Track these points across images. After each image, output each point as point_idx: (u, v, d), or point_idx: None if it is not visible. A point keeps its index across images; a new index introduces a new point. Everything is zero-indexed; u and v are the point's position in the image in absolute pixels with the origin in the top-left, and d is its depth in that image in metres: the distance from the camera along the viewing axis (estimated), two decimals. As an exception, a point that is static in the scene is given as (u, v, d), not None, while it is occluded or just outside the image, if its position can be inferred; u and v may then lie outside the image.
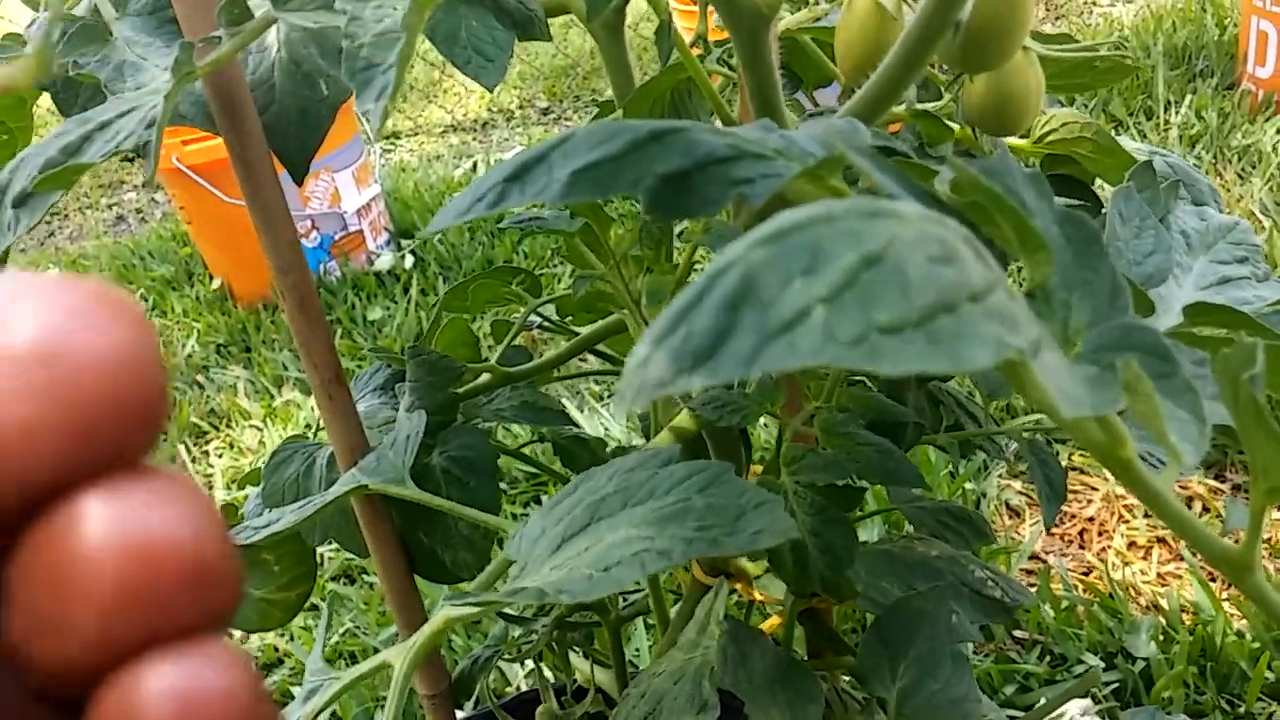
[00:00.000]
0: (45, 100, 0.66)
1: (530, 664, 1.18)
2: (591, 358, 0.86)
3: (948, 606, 0.58)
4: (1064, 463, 1.53)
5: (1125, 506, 1.48)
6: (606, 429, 1.73)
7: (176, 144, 2.20)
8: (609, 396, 1.80)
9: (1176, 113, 2.49)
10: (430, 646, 0.42)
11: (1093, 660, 1.23)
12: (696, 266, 0.64)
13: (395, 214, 2.66)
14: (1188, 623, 1.27)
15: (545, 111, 3.53)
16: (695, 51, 0.65)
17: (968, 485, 1.52)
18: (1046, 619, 1.29)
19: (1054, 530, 1.48)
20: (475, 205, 0.22)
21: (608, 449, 0.81)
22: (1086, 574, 1.39)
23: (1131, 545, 1.43)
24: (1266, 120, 2.39)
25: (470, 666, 0.79)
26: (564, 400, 1.80)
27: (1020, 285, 0.27)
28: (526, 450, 1.34)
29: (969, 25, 0.42)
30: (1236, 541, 0.31)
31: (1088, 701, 1.16)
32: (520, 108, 3.57)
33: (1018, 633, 1.30)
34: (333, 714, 1.29)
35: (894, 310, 0.15)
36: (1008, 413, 1.48)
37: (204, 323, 2.38)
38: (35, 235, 3.21)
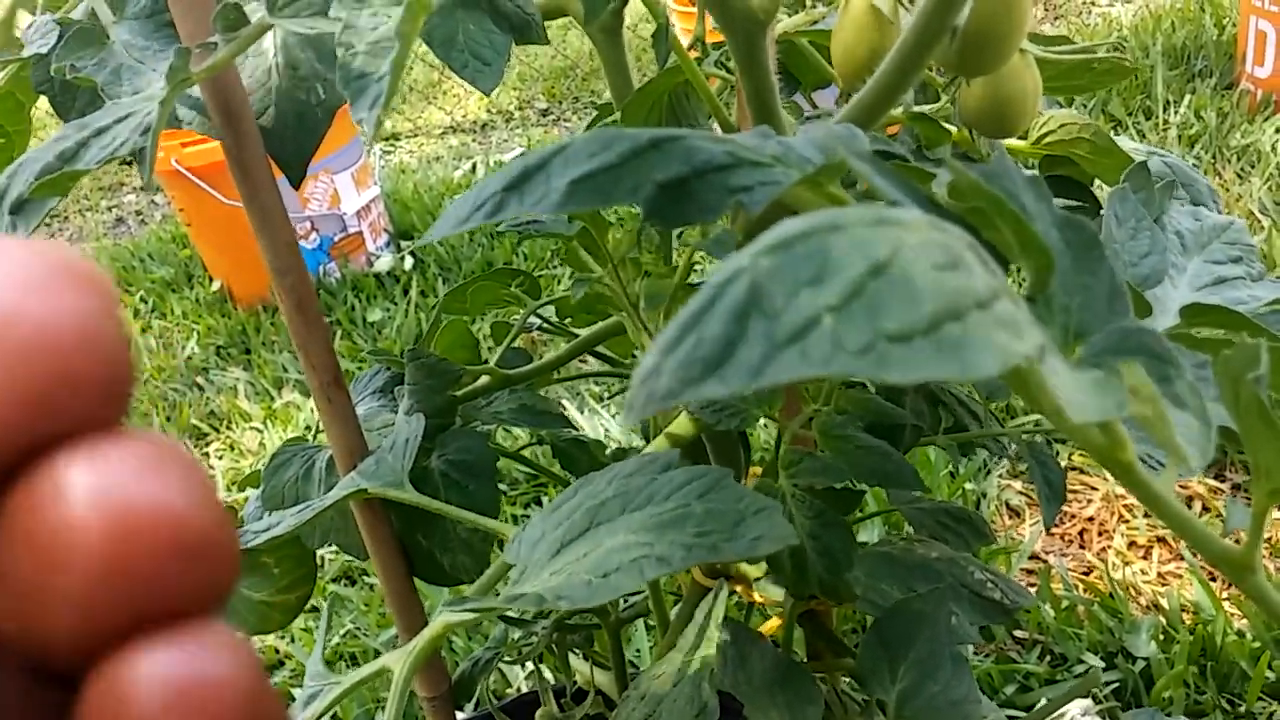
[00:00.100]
0: (44, 103, 0.67)
1: (530, 666, 1.18)
2: (591, 359, 0.86)
3: (947, 608, 0.58)
4: (1064, 463, 1.53)
5: (1125, 506, 1.48)
6: (606, 430, 1.73)
7: (176, 146, 2.20)
8: (609, 398, 1.80)
9: (1175, 113, 2.49)
10: (429, 651, 0.42)
11: (1093, 660, 1.23)
12: (696, 268, 0.64)
13: (395, 215, 2.66)
14: (1188, 622, 1.27)
15: (544, 113, 3.53)
16: (693, 54, 0.65)
17: (968, 485, 1.52)
18: (1047, 619, 1.29)
19: (1054, 530, 1.48)
20: (474, 214, 0.22)
21: (607, 451, 0.81)
22: (1087, 574, 1.39)
23: (1132, 545, 1.43)
24: (1265, 120, 2.39)
25: (470, 669, 0.78)
26: (564, 401, 1.80)
27: (1020, 285, 0.27)
28: (526, 452, 1.34)
29: (966, 29, 0.42)
30: (1237, 542, 0.31)
31: (1088, 701, 1.16)
32: (519, 109, 3.56)
33: (1018, 633, 1.30)
34: (333, 716, 1.28)
35: (902, 319, 0.15)
36: (1007, 413, 1.48)
37: (204, 325, 2.38)
38: (35, 237, 3.21)
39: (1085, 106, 2.52)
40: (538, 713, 0.82)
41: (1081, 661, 1.23)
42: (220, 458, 1.92)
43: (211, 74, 0.47)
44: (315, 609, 1.48)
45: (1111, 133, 0.70)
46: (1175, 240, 0.58)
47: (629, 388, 0.15)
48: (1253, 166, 2.23)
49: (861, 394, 0.57)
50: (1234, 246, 0.57)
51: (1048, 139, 0.66)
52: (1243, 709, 1.16)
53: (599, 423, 1.75)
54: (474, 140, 3.41)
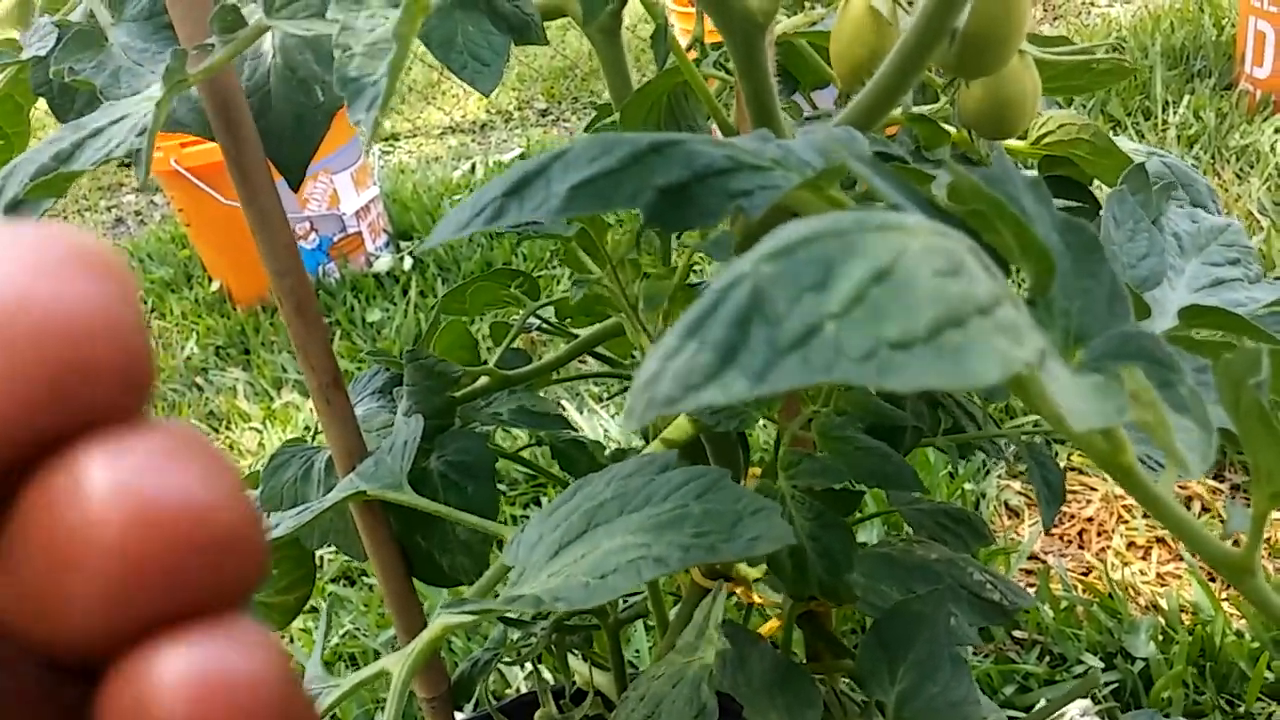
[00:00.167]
0: (44, 104, 0.66)
1: (529, 666, 1.18)
2: (590, 360, 0.86)
3: (946, 610, 0.58)
4: (1062, 463, 1.53)
5: (1124, 507, 1.48)
6: (606, 430, 1.73)
7: (175, 146, 2.20)
8: (608, 398, 1.80)
9: (1174, 113, 2.49)
10: (428, 654, 0.42)
11: (1092, 660, 1.23)
12: (695, 269, 0.64)
13: (394, 216, 2.66)
14: (1187, 623, 1.27)
15: (544, 113, 3.53)
16: (692, 55, 0.65)
17: (967, 486, 1.52)
18: (1046, 619, 1.29)
19: (1053, 530, 1.47)
20: (474, 220, 0.22)
21: (606, 452, 0.81)
22: (1086, 574, 1.39)
23: (1131, 545, 1.43)
24: (1264, 120, 2.39)
25: (470, 669, 0.78)
26: (563, 401, 1.80)
27: (1021, 286, 0.27)
28: (526, 453, 1.34)
29: (965, 32, 0.42)
30: (1236, 544, 0.31)
31: (1087, 702, 1.16)
32: (519, 109, 3.56)
33: (1017, 633, 1.30)
34: (333, 717, 1.28)
35: (903, 325, 0.15)
36: (1006, 413, 1.48)
37: (203, 325, 2.38)
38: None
39: (1084, 106, 2.52)
40: (537, 714, 0.82)
41: (1080, 662, 1.23)
42: (219, 458, 1.92)
43: (208, 76, 0.47)
44: (314, 609, 1.48)
45: (1110, 133, 0.69)
46: (1173, 242, 0.58)
47: (630, 390, 0.15)
48: (1252, 167, 2.23)
49: (861, 395, 0.57)
50: (1232, 248, 0.57)
51: (1047, 139, 0.66)
52: (1241, 709, 1.16)
53: (598, 423, 1.75)
54: (473, 140, 3.41)
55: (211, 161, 2.19)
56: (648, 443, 0.67)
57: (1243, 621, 1.25)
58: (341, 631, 1.44)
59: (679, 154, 0.22)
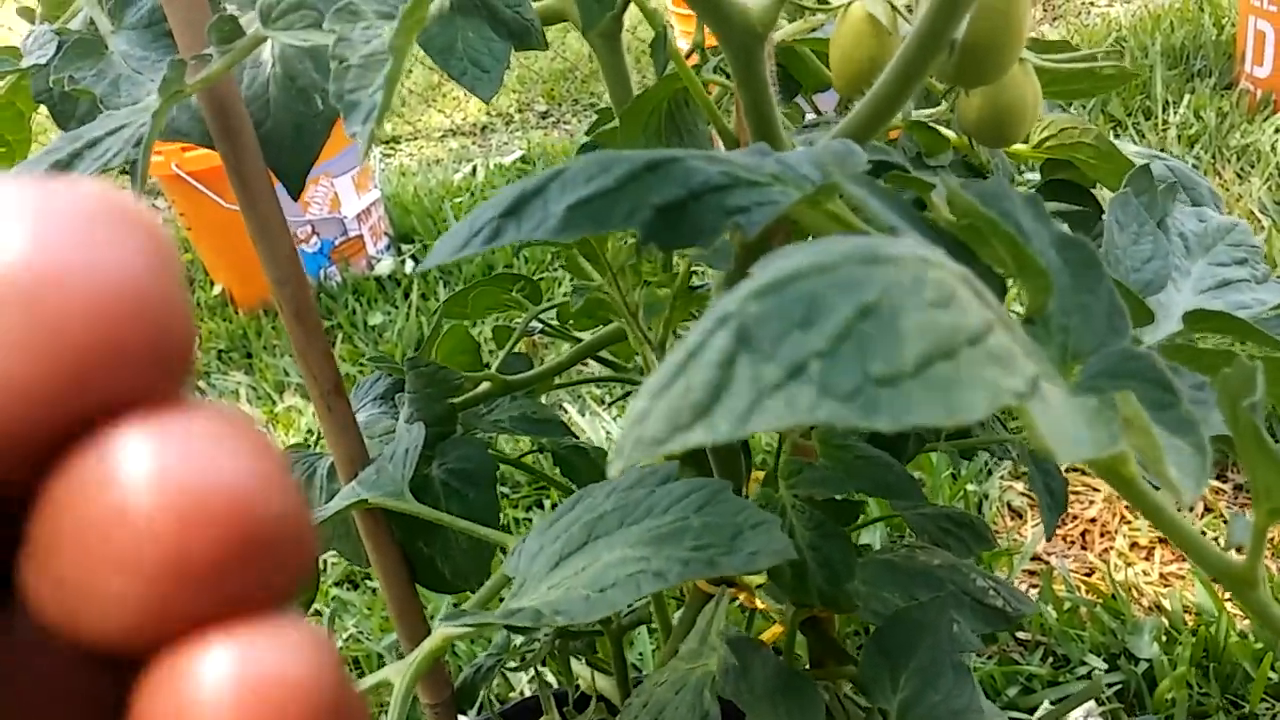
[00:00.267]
0: (45, 109, 0.67)
1: (533, 671, 1.18)
2: (593, 363, 0.85)
3: (949, 616, 0.57)
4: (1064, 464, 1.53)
5: (1127, 508, 1.48)
6: (608, 433, 1.73)
7: (176, 151, 2.20)
8: (612, 401, 1.80)
9: (1175, 113, 2.48)
10: (429, 664, 0.42)
11: (1095, 662, 1.23)
12: (695, 272, 0.64)
13: (395, 218, 2.66)
14: (1191, 624, 1.27)
15: (544, 115, 3.53)
16: (692, 61, 0.65)
17: (969, 487, 1.52)
18: (1049, 620, 1.28)
19: (1056, 531, 1.47)
20: (472, 240, 0.22)
21: (608, 457, 0.81)
22: (1089, 575, 1.39)
23: (1134, 546, 1.43)
24: (1265, 120, 2.39)
25: (473, 675, 0.78)
26: (566, 404, 1.80)
27: (1018, 293, 0.27)
28: (529, 458, 1.34)
29: (964, 42, 0.42)
30: (1240, 550, 0.31)
31: (1091, 704, 1.16)
32: (519, 111, 3.56)
33: (1020, 634, 1.30)
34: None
35: (890, 361, 0.15)
36: (1009, 414, 1.48)
37: (205, 329, 2.38)
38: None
39: (1085, 107, 2.52)
40: (540, 719, 0.82)
41: (1084, 663, 1.23)
42: (222, 462, 1.92)
43: (206, 86, 0.47)
44: (318, 613, 1.48)
45: (1111, 133, 0.69)
46: (1179, 243, 0.57)
47: (620, 428, 0.15)
48: (1252, 166, 2.23)
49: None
50: (1238, 248, 0.57)
51: (1049, 143, 0.66)
52: (1246, 710, 1.16)
53: (600, 425, 1.75)
54: (474, 143, 3.41)
55: (212, 165, 2.19)
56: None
57: (1246, 622, 1.25)
58: (345, 635, 1.44)
59: (676, 172, 0.22)
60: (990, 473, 1.55)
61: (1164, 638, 1.25)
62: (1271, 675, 1.16)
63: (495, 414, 0.73)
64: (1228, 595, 1.29)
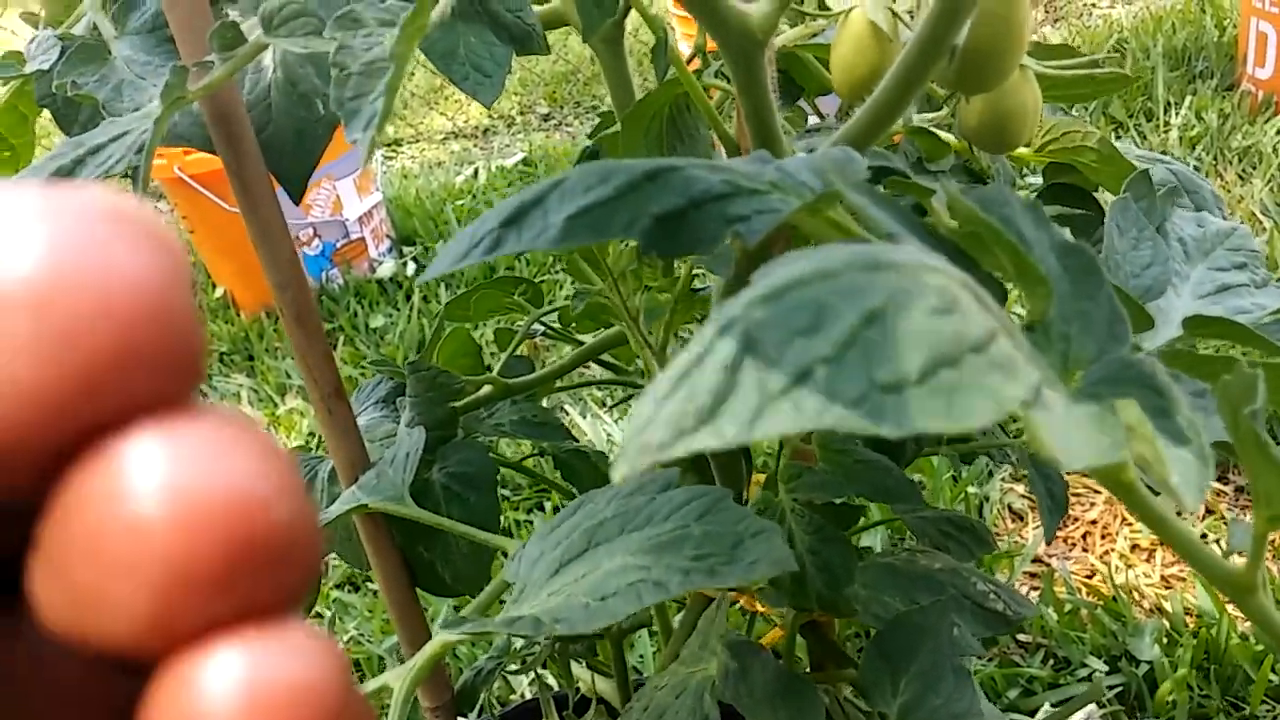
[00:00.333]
0: (49, 114, 0.67)
1: (533, 674, 1.18)
2: (595, 365, 0.86)
3: (949, 620, 0.58)
4: (1066, 467, 1.53)
5: (1128, 509, 1.48)
6: (609, 436, 1.73)
7: (178, 154, 2.20)
8: (613, 404, 1.80)
9: (1177, 114, 2.48)
10: (428, 670, 0.42)
11: (1096, 664, 1.23)
12: (696, 275, 0.64)
13: (397, 221, 2.66)
14: (1191, 626, 1.27)
15: (546, 118, 3.53)
16: (694, 65, 0.65)
17: (970, 490, 1.52)
18: (1050, 623, 1.28)
19: (1057, 534, 1.47)
20: (472, 250, 0.22)
21: (609, 461, 0.81)
22: (1090, 577, 1.39)
23: (1135, 548, 1.43)
24: (1266, 121, 2.39)
25: (473, 678, 0.79)
26: (567, 406, 1.80)
27: (1019, 297, 0.27)
28: (530, 462, 1.34)
29: (964, 48, 0.42)
30: (1241, 556, 0.31)
31: (1092, 706, 1.16)
32: (521, 114, 3.56)
33: (1021, 636, 1.30)
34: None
35: (895, 368, 0.15)
36: (1009, 418, 1.48)
37: (206, 331, 2.38)
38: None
39: (1086, 109, 2.52)
40: (541, 722, 0.83)
41: (1085, 665, 1.23)
42: (223, 464, 1.92)
43: (208, 93, 0.47)
44: (319, 616, 1.48)
45: (1113, 135, 0.70)
46: (1178, 248, 0.57)
47: (623, 435, 0.15)
48: (1254, 168, 2.23)
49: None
50: (1238, 253, 0.57)
51: (1050, 147, 0.66)
52: (1246, 712, 1.16)
53: (602, 428, 1.75)
54: (476, 145, 3.41)
55: (214, 169, 2.19)
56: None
57: (1248, 625, 1.25)
58: (346, 638, 1.45)
59: (675, 181, 0.22)
60: (991, 475, 1.55)
61: (1165, 640, 1.25)
62: (1272, 678, 1.16)
63: (496, 417, 0.73)
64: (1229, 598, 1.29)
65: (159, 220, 0.14)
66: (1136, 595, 1.34)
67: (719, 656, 0.55)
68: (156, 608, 0.13)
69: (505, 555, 0.48)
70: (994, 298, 0.20)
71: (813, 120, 0.76)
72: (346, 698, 0.14)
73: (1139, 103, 2.57)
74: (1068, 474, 1.51)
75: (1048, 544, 1.45)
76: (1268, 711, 1.16)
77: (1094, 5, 3.53)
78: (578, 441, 0.78)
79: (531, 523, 1.60)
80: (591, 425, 1.76)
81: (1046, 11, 3.49)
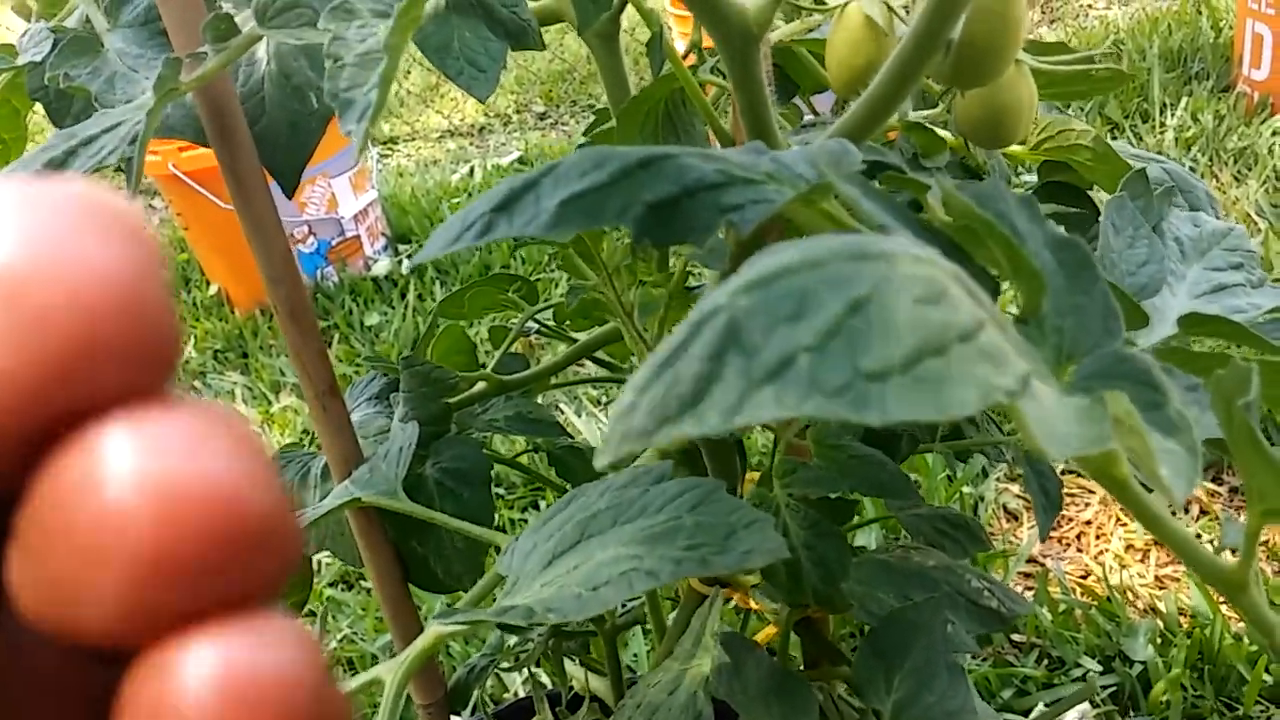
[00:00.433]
0: (41, 107, 0.66)
1: (527, 671, 1.18)
2: (589, 363, 0.85)
3: (944, 617, 0.57)
4: (1060, 466, 1.53)
5: (1123, 510, 1.48)
6: (603, 433, 1.73)
7: (173, 150, 2.19)
8: (607, 401, 1.80)
9: (1172, 115, 2.49)
10: (420, 663, 0.42)
11: (1090, 664, 1.23)
12: (691, 272, 0.64)
13: (392, 219, 2.66)
14: (1185, 626, 1.27)
15: (542, 116, 3.53)
16: (689, 61, 0.65)
17: (965, 489, 1.52)
18: (1044, 622, 1.28)
19: (1051, 534, 1.47)
20: (464, 234, 0.22)
21: (596, 449, 0.81)
22: (1084, 577, 1.39)
23: (1129, 548, 1.43)
24: (1262, 122, 2.39)
25: (466, 675, 0.78)
26: (562, 404, 1.80)
27: (1014, 295, 0.27)
28: (524, 458, 1.34)
29: (960, 43, 0.42)
30: (1234, 554, 0.30)
31: (1085, 705, 1.16)
32: (517, 112, 3.56)
33: (1015, 636, 1.30)
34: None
35: (880, 356, 0.15)
36: (1005, 417, 1.48)
37: (201, 329, 2.38)
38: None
39: (1082, 109, 2.52)
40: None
41: (1079, 665, 1.23)
42: (217, 461, 1.91)
43: (200, 84, 0.47)
44: (312, 614, 1.48)
45: (1109, 135, 0.70)
46: (1174, 247, 0.57)
47: (607, 423, 0.15)
48: (1249, 169, 2.23)
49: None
50: (1234, 253, 0.57)
51: (1046, 145, 0.66)
52: (1240, 712, 1.16)
53: (596, 426, 1.75)
54: (471, 144, 3.41)
55: (209, 165, 2.19)
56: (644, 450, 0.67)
57: (1241, 625, 1.25)
58: (339, 636, 1.44)
59: (669, 169, 0.22)
60: (986, 475, 1.55)
61: (1159, 640, 1.25)
62: (1266, 678, 1.16)
63: (490, 414, 0.73)
64: (1222, 598, 1.29)
65: (135, 213, 0.15)
66: (1131, 595, 1.34)
67: (713, 653, 0.55)
68: (130, 597, 0.13)
69: (499, 551, 0.48)
70: (986, 292, 0.19)
71: (808, 119, 0.75)
72: (320, 689, 0.14)
73: (1135, 104, 2.57)
74: (1063, 473, 1.51)
75: (1042, 542, 1.45)
76: (1261, 712, 1.16)
77: (1090, 6, 3.53)
78: (572, 438, 0.78)
79: (526, 521, 1.60)
80: (586, 423, 1.76)
81: (1043, 12, 3.49)
